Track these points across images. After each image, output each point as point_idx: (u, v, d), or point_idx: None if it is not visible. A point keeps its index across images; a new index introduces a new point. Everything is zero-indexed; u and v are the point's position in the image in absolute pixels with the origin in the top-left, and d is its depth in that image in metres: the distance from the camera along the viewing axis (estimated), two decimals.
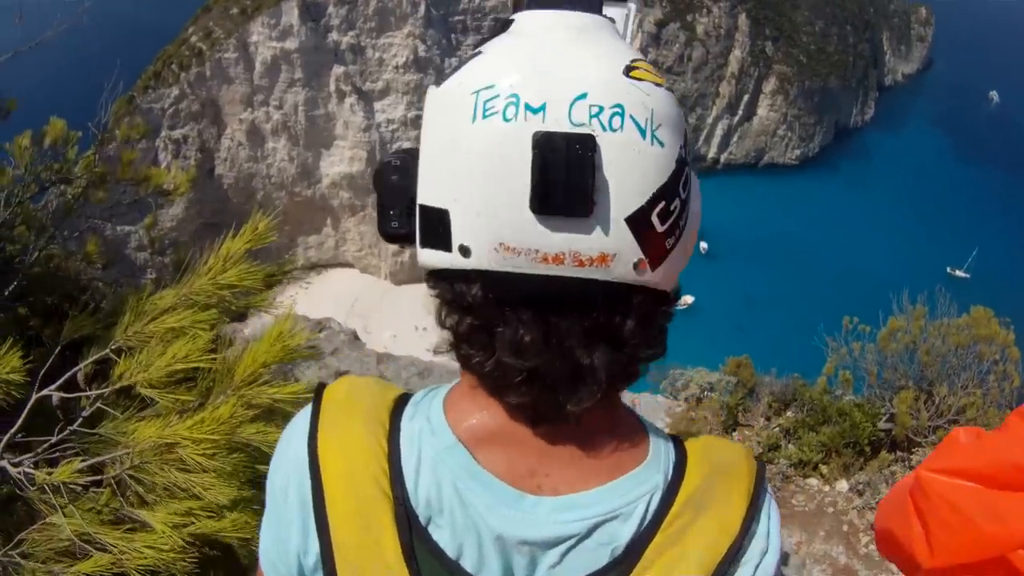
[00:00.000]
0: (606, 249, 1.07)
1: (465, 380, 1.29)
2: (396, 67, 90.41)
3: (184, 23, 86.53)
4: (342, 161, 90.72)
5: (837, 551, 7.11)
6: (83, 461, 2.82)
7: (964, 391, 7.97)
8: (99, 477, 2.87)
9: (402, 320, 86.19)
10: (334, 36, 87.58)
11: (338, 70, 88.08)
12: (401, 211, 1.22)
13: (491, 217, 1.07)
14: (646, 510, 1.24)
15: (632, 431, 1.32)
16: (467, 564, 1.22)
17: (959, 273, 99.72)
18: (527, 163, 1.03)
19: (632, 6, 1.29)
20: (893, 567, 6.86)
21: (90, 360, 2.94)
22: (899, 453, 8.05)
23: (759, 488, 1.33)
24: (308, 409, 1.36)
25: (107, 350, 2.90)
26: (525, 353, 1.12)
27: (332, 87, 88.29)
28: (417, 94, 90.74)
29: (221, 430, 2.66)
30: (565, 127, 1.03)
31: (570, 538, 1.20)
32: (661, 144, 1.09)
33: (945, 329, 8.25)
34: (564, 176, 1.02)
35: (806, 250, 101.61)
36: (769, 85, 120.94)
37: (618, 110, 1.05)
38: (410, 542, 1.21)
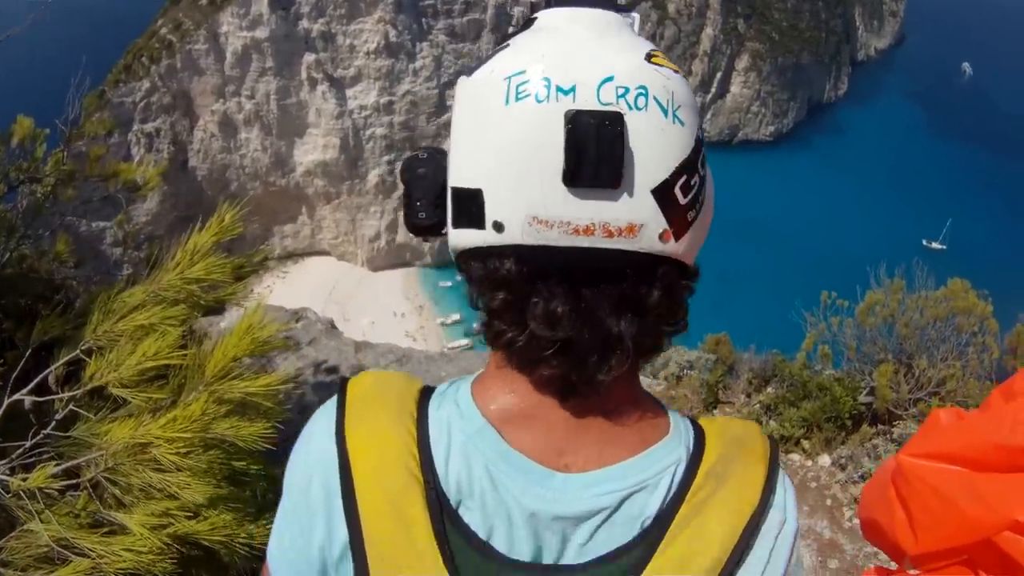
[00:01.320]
0: (633, 219, 1.13)
1: (492, 363, 1.34)
2: (367, 53, 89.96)
3: (153, 15, 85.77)
4: (315, 149, 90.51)
5: (821, 526, 7.13)
6: (57, 465, 2.76)
7: (944, 363, 7.97)
8: (75, 481, 2.81)
9: (380, 306, 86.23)
10: (304, 24, 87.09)
11: (309, 58, 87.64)
12: (428, 202, 1.30)
13: (524, 192, 1.12)
14: (671, 481, 1.28)
15: (653, 408, 1.37)
16: (498, 544, 1.24)
17: (935, 245, 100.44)
18: (560, 139, 1.08)
19: (636, 16, 1.31)
20: None
21: (61, 362, 2.87)
22: (880, 426, 8.05)
23: (774, 462, 1.37)
24: (331, 404, 1.37)
25: (77, 351, 2.84)
26: (558, 324, 1.16)
27: (303, 75, 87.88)
28: (389, 79, 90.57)
29: (193, 428, 2.60)
30: (595, 106, 1.09)
31: (601, 511, 1.23)
32: (682, 123, 1.16)
33: (923, 302, 8.23)
34: (595, 150, 1.08)
35: (782, 225, 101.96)
36: (742, 62, 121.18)
37: (642, 91, 1.12)
38: (442, 526, 1.22)
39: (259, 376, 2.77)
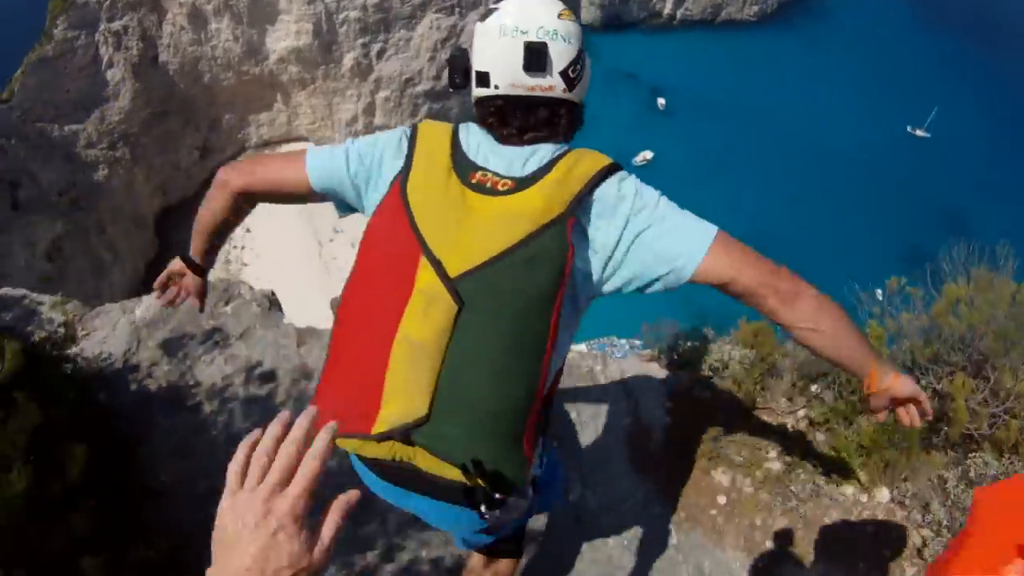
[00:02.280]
0: (551, 84, 2.59)
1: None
2: None
3: None
4: (288, 36, 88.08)
5: None
6: None
7: None
8: None
9: None
10: None
11: None
12: (460, 75, 2.73)
13: (507, 72, 2.57)
14: (560, 147, 2.65)
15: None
16: (484, 165, 2.59)
17: (919, 132, 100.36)
18: (521, 51, 2.52)
19: None
20: None
21: None
22: (951, 453, 6.38)
23: (615, 160, 2.66)
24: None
25: None
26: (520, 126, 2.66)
27: None
28: None
29: None
30: (535, 38, 2.52)
31: (525, 154, 2.61)
32: (572, 45, 2.59)
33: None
34: (536, 57, 2.51)
35: (763, 107, 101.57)
36: None
37: (555, 32, 2.55)
38: (457, 150, 2.61)
39: None
